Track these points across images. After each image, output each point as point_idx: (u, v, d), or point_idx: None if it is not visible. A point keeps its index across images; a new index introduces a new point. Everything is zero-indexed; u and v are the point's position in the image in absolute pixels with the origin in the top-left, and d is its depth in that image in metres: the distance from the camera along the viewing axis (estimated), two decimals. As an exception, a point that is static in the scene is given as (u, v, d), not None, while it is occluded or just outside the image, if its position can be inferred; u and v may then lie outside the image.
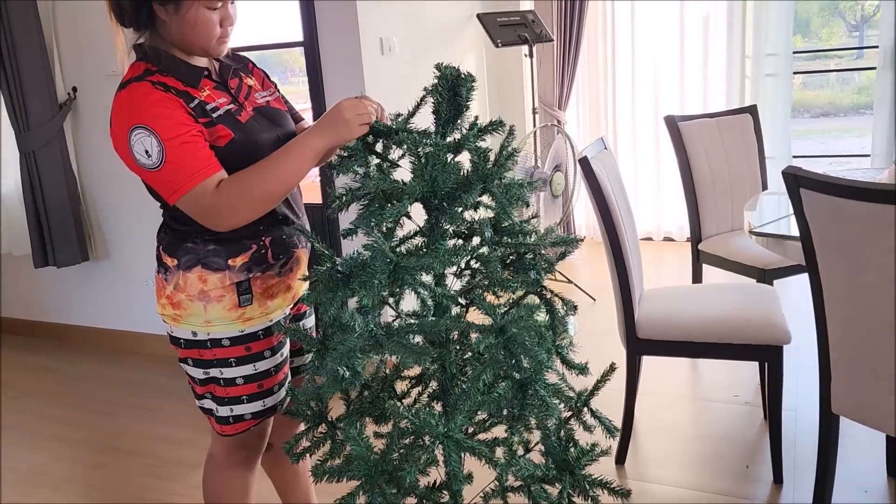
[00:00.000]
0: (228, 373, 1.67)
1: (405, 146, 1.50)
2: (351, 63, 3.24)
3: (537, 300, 1.58)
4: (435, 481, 1.58)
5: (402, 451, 1.44)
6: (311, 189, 3.28)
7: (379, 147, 1.57)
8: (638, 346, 2.45)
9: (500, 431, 1.62)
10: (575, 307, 1.60)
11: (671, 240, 5.13)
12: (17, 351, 4.17)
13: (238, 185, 1.50)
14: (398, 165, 1.57)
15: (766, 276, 2.96)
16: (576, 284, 4.28)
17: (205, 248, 1.60)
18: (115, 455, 2.95)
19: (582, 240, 1.65)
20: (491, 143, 1.50)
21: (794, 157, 4.69)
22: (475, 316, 1.53)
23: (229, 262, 1.61)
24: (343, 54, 3.24)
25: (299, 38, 3.32)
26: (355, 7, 3.17)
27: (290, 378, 1.80)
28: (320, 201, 3.36)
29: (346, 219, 1.56)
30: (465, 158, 1.49)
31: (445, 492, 1.57)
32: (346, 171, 1.50)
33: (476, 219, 1.53)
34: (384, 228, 1.48)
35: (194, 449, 2.88)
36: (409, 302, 1.57)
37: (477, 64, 4.50)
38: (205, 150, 1.50)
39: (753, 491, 2.34)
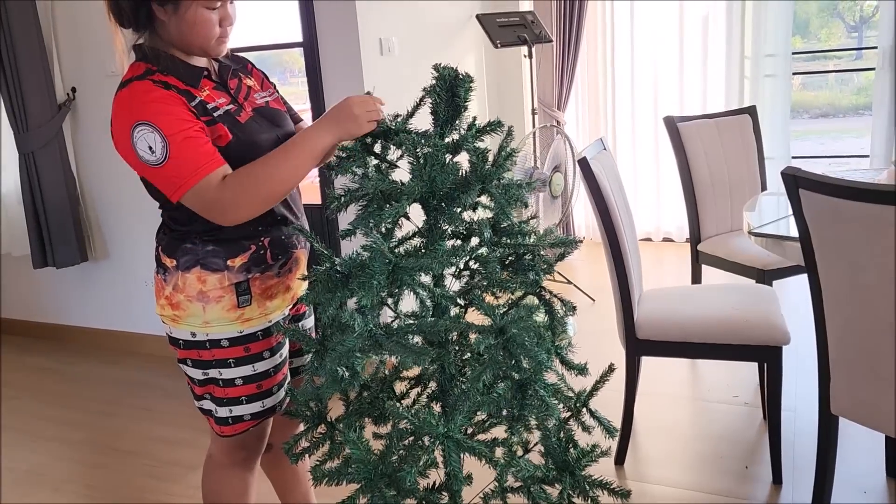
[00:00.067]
0: (227, 373, 1.67)
1: (404, 147, 1.50)
2: (350, 63, 3.24)
3: (536, 301, 1.58)
4: (434, 483, 1.58)
5: (401, 452, 1.44)
6: (310, 190, 3.28)
7: (377, 148, 1.57)
8: (637, 346, 2.45)
9: (499, 432, 1.62)
10: (574, 308, 1.61)
11: (670, 240, 5.13)
12: (17, 351, 4.17)
13: (243, 180, 1.49)
14: (397, 166, 1.57)
15: (765, 276, 2.96)
16: (575, 285, 4.28)
17: (204, 248, 1.60)
18: (115, 456, 2.94)
19: (581, 241, 1.65)
20: (490, 143, 1.50)
21: (794, 157, 4.69)
22: (474, 316, 1.53)
23: (228, 262, 1.61)
24: (342, 55, 3.24)
25: (298, 38, 3.32)
26: (354, 7, 3.17)
27: (289, 379, 1.80)
28: (319, 202, 3.36)
29: (345, 219, 1.56)
30: (463, 159, 1.49)
31: (445, 493, 1.57)
32: (345, 171, 1.50)
33: (475, 219, 1.53)
34: (383, 229, 1.48)
35: (193, 449, 2.88)
36: (408, 302, 1.57)
37: (476, 64, 4.50)
38: (208, 146, 1.49)
39: (753, 491, 2.35)
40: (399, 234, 1.54)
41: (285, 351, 1.76)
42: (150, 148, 1.45)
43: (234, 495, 1.82)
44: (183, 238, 1.62)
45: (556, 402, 1.53)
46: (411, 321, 1.53)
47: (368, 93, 1.58)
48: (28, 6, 3.58)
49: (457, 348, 1.57)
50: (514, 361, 1.43)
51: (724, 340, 2.33)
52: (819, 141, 9.39)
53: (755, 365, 3.00)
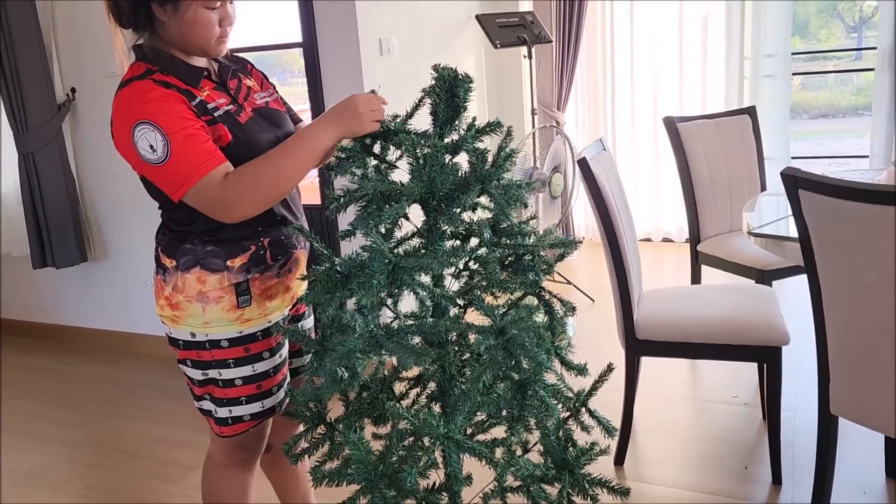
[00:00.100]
0: (227, 374, 1.67)
1: (403, 147, 1.50)
2: (350, 64, 3.24)
3: (536, 301, 1.58)
4: (434, 483, 1.58)
5: (401, 452, 1.44)
6: (309, 190, 3.28)
7: (377, 148, 1.57)
8: (637, 347, 2.45)
9: (498, 432, 1.62)
10: (574, 308, 1.61)
11: (670, 241, 5.13)
12: (16, 352, 4.17)
13: (246, 176, 1.49)
14: (396, 167, 1.57)
15: (764, 277, 2.96)
16: (575, 285, 4.28)
17: (203, 249, 1.60)
18: (114, 456, 2.94)
19: (580, 241, 1.65)
20: (489, 144, 1.50)
21: (793, 157, 4.69)
22: (474, 317, 1.53)
23: (228, 263, 1.61)
24: (342, 55, 3.24)
25: (298, 38, 3.32)
26: (354, 8, 3.17)
27: (288, 379, 1.80)
28: (319, 202, 3.36)
29: (345, 220, 1.56)
30: (463, 160, 1.49)
31: (445, 494, 1.57)
32: (344, 172, 1.50)
33: (474, 220, 1.53)
34: (382, 229, 1.48)
35: (193, 450, 2.88)
36: (407, 303, 1.57)
37: (476, 65, 4.50)
38: (208, 143, 1.49)
39: (752, 492, 2.35)
40: (398, 234, 1.54)
41: (285, 351, 1.76)
42: (152, 147, 1.45)
43: (233, 496, 1.82)
44: (182, 238, 1.62)
45: (556, 402, 1.53)
46: (411, 322, 1.53)
47: (373, 91, 1.58)
48: (28, 6, 3.58)
49: (456, 348, 1.58)
50: (514, 362, 1.43)
51: (724, 341, 2.33)
52: (818, 141, 9.39)
53: (755, 365, 3.00)
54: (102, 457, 2.95)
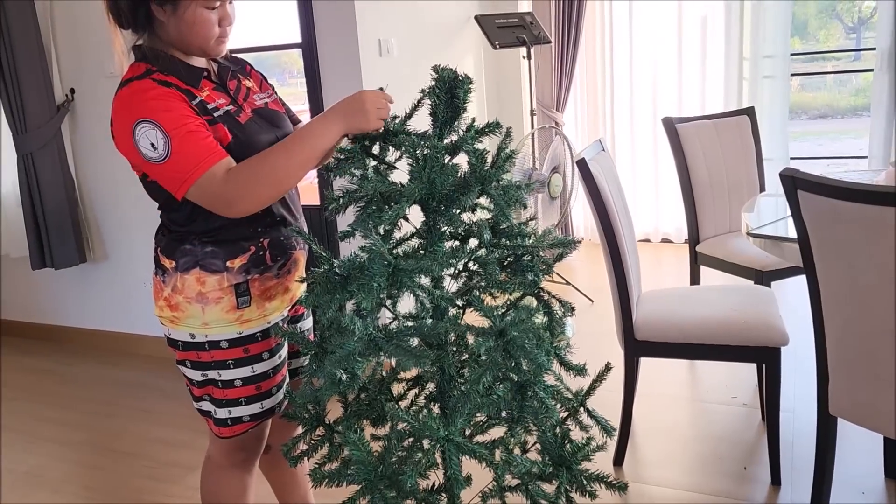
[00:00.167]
0: (226, 375, 1.67)
1: (403, 148, 1.50)
2: (349, 64, 3.24)
3: (535, 302, 1.58)
4: (433, 484, 1.58)
5: (401, 454, 1.44)
6: (308, 191, 3.29)
7: (376, 149, 1.57)
8: (636, 347, 2.45)
9: (497, 433, 1.62)
10: (573, 309, 1.61)
11: (669, 241, 5.13)
12: (15, 352, 4.17)
13: (249, 171, 1.49)
14: (395, 167, 1.57)
15: (763, 277, 2.96)
16: (574, 286, 4.28)
17: (203, 249, 1.60)
18: (113, 457, 2.94)
19: (580, 242, 1.65)
20: (488, 144, 1.50)
21: (792, 158, 4.70)
22: (472, 318, 1.53)
23: (227, 263, 1.61)
24: (341, 56, 3.24)
25: (297, 39, 3.32)
26: (353, 8, 3.17)
27: (288, 380, 1.80)
28: (318, 203, 3.36)
29: (344, 221, 1.56)
30: (462, 160, 1.49)
31: (444, 494, 1.57)
32: (343, 173, 1.50)
33: (474, 221, 1.53)
34: (382, 231, 1.48)
35: (192, 451, 2.88)
36: (405, 304, 1.57)
37: (475, 65, 4.50)
38: (209, 139, 1.49)
39: (751, 492, 2.35)
40: (397, 234, 1.54)
41: (284, 352, 1.76)
42: (153, 145, 1.45)
43: (232, 496, 1.82)
44: (182, 239, 1.62)
45: (555, 402, 1.53)
46: (410, 323, 1.53)
47: (381, 89, 1.57)
48: (27, 6, 3.58)
49: (454, 349, 1.57)
50: (513, 364, 1.43)
51: (723, 341, 2.33)
52: (817, 142, 9.39)
53: (754, 366, 3.00)
54: (101, 458, 2.95)
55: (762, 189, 3.44)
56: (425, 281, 1.47)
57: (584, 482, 1.52)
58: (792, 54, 4.55)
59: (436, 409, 1.59)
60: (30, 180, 3.75)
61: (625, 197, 2.69)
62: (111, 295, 4.00)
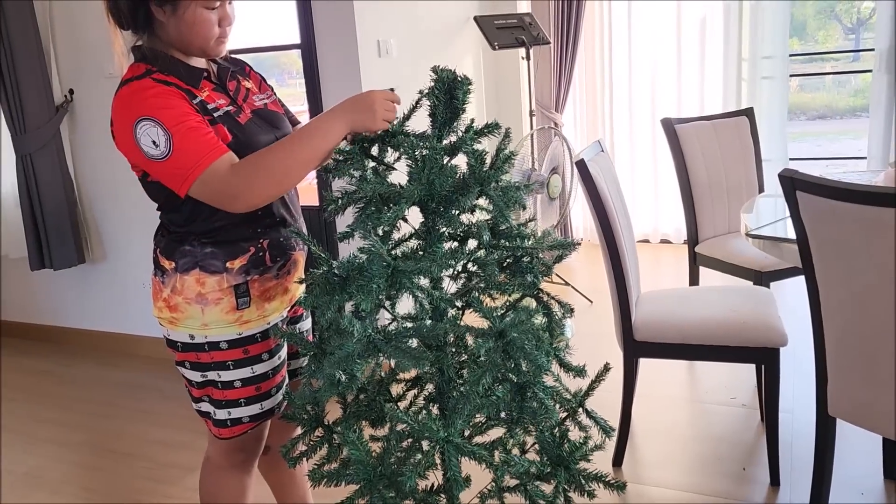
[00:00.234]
0: (226, 376, 1.66)
1: (402, 149, 1.50)
2: (348, 65, 3.24)
3: (534, 303, 1.58)
4: (433, 484, 1.58)
5: (400, 454, 1.44)
6: (307, 192, 3.28)
7: (375, 150, 1.57)
8: (635, 348, 2.45)
9: (496, 433, 1.62)
10: (572, 310, 1.61)
11: (668, 242, 5.13)
12: (14, 353, 4.16)
13: (253, 165, 1.48)
14: (394, 168, 1.57)
15: (762, 278, 2.96)
16: (573, 287, 4.29)
17: (202, 250, 1.60)
18: (113, 458, 2.94)
19: (579, 243, 1.65)
20: (487, 145, 1.50)
21: (791, 159, 4.70)
22: (471, 319, 1.53)
23: (227, 264, 1.61)
24: (340, 56, 3.24)
25: (296, 40, 3.32)
26: (352, 9, 3.17)
27: (287, 381, 1.80)
28: (317, 204, 3.36)
29: (343, 222, 1.56)
30: (461, 161, 1.49)
31: (443, 495, 1.57)
32: (342, 174, 1.50)
33: (473, 222, 1.53)
34: (381, 232, 1.48)
35: (191, 452, 2.88)
36: (405, 305, 1.57)
37: (474, 66, 4.50)
38: (210, 135, 1.49)
39: (750, 493, 2.35)
40: (396, 235, 1.54)
41: (284, 353, 1.76)
42: (154, 142, 1.45)
43: (231, 497, 1.82)
44: (181, 240, 1.61)
45: (554, 403, 1.53)
46: (409, 324, 1.53)
47: (392, 90, 1.57)
48: (25, 7, 3.58)
49: (454, 350, 1.58)
50: (513, 364, 1.43)
51: (722, 342, 2.33)
52: (816, 143, 9.40)
53: (753, 367, 3.00)
54: (101, 458, 2.95)
55: (761, 190, 3.44)
56: (424, 282, 1.47)
57: (583, 482, 1.52)
58: (791, 55, 4.55)
59: (435, 410, 1.59)
60: (29, 181, 3.74)
61: (624, 198, 2.69)
62: (110, 296, 4.00)
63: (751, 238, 2.41)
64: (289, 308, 1.76)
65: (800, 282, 2.03)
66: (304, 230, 1.74)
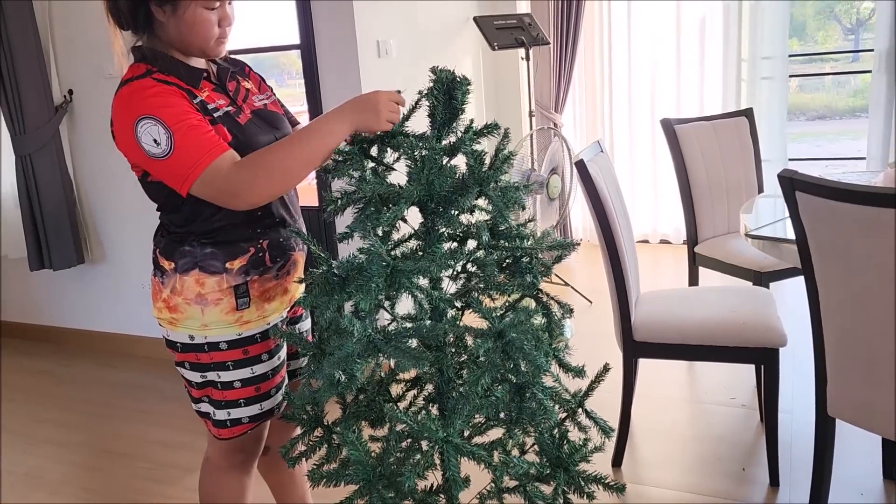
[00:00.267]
0: (226, 376, 1.66)
1: (401, 150, 1.50)
2: (347, 66, 3.24)
3: (533, 303, 1.58)
4: (432, 485, 1.58)
5: (399, 455, 1.44)
6: (307, 192, 3.28)
7: (374, 151, 1.57)
8: (634, 348, 2.45)
9: (495, 434, 1.62)
10: (571, 310, 1.61)
11: (667, 242, 5.13)
12: (13, 354, 4.16)
13: (259, 161, 1.48)
14: (394, 169, 1.57)
15: (762, 278, 2.96)
16: (572, 287, 4.29)
17: (202, 251, 1.60)
18: (112, 458, 2.94)
19: (578, 243, 1.65)
20: (487, 146, 1.50)
21: (790, 160, 4.70)
22: (471, 319, 1.53)
23: (227, 265, 1.61)
24: (339, 57, 3.24)
25: (296, 40, 3.32)
26: (352, 9, 3.17)
27: (286, 381, 1.80)
28: (317, 204, 3.36)
29: (343, 222, 1.56)
30: (461, 162, 1.49)
31: (442, 496, 1.57)
32: (342, 174, 1.50)
33: (472, 222, 1.53)
34: (380, 232, 1.48)
35: (190, 452, 2.88)
36: (404, 305, 1.57)
37: (473, 67, 4.50)
38: (211, 133, 1.48)
39: (750, 493, 2.35)
40: (395, 236, 1.54)
41: (283, 353, 1.76)
42: (155, 141, 1.44)
43: (231, 498, 1.81)
44: (181, 240, 1.61)
45: (554, 404, 1.53)
46: (409, 325, 1.53)
47: (399, 92, 1.56)
48: (25, 7, 3.57)
49: (453, 351, 1.58)
50: (512, 365, 1.43)
51: (721, 343, 2.33)
52: (816, 143, 9.40)
53: (752, 367, 3.00)
54: (100, 459, 2.95)
55: (760, 190, 3.44)
56: (424, 282, 1.47)
57: (582, 483, 1.52)
58: (790, 55, 4.55)
59: (434, 411, 1.59)
60: (28, 181, 3.74)
61: (623, 198, 2.69)
62: (109, 296, 4.00)
63: (750, 238, 2.41)
64: (288, 308, 1.76)
65: (799, 282, 2.03)
66: (304, 230, 1.74)
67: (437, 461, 1.44)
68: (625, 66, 4.91)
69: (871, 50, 4.28)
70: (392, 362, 1.50)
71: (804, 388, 2.92)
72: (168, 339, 1.68)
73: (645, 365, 2.93)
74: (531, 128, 4.25)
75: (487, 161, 1.49)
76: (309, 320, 1.91)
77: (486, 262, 1.50)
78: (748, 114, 3.46)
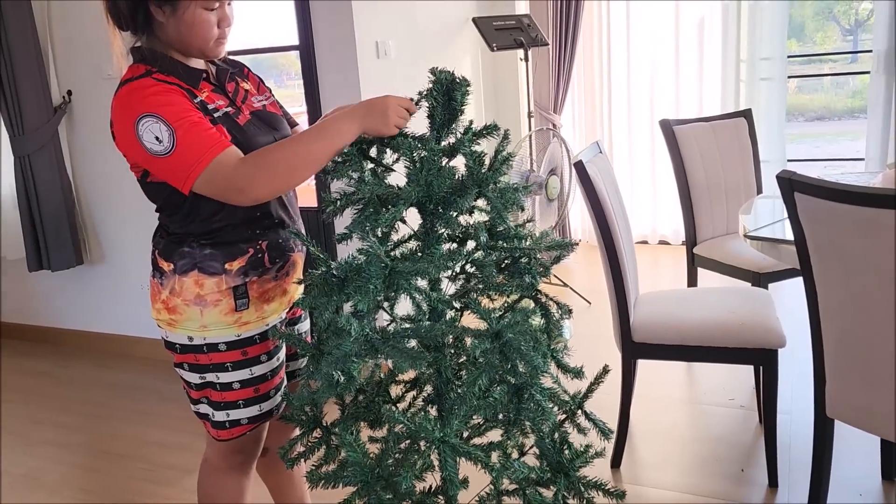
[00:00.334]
0: (225, 377, 1.66)
1: (400, 151, 1.50)
2: (346, 66, 3.24)
3: (532, 304, 1.58)
4: (430, 486, 1.58)
5: (397, 456, 1.44)
6: (306, 193, 3.28)
7: (373, 152, 1.57)
8: (633, 349, 2.45)
9: (494, 435, 1.62)
10: (570, 311, 1.61)
11: (666, 243, 5.13)
12: (12, 355, 4.16)
13: (265, 157, 1.48)
14: (393, 170, 1.57)
15: (760, 279, 2.96)
16: (571, 288, 4.29)
17: (201, 252, 1.60)
18: (110, 459, 2.94)
19: (577, 244, 1.65)
20: (486, 146, 1.50)
21: (789, 160, 4.70)
22: (470, 320, 1.53)
23: (226, 266, 1.61)
24: (338, 58, 3.24)
25: (295, 41, 3.32)
26: (351, 10, 3.17)
27: (285, 382, 1.80)
28: (315, 205, 3.36)
29: (342, 223, 1.55)
30: (460, 163, 1.49)
31: (441, 497, 1.56)
32: (341, 175, 1.50)
33: (471, 223, 1.53)
34: (379, 233, 1.48)
35: (189, 453, 2.88)
36: (403, 306, 1.57)
37: (473, 67, 4.50)
38: (213, 130, 1.48)
39: (748, 494, 2.35)
40: (394, 237, 1.54)
41: (282, 354, 1.76)
42: (157, 138, 1.44)
43: (229, 499, 1.81)
44: (180, 241, 1.61)
45: (552, 405, 1.53)
46: (407, 325, 1.53)
47: (412, 99, 1.54)
48: (24, 7, 3.57)
49: (452, 351, 1.57)
50: (510, 366, 1.43)
51: (720, 343, 2.34)
52: (814, 144, 9.41)
53: (751, 368, 3.01)
54: (98, 460, 2.95)
55: (759, 191, 3.44)
56: (422, 283, 1.47)
57: (582, 489, 1.51)
58: (789, 56, 4.56)
59: (433, 412, 1.59)
60: (27, 182, 3.74)
61: (622, 199, 2.69)
62: (108, 297, 4.00)
63: (749, 239, 2.41)
64: (287, 309, 1.76)
65: (798, 283, 2.03)
66: (303, 231, 1.74)
67: (435, 462, 1.44)
68: (624, 67, 4.92)
69: (870, 51, 4.29)
70: (390, 363, 1.50)
71: (803, 389, 2.92)
72: (167, 340, 1.68)
73: (644, 366, 2.93)
74: (530, 129, 4.25)
75: (486, 162, 1.49)
76: (308, 321, 1.91)
77: (485, 262, 1.50)
78: (747, 115, 3.47)
